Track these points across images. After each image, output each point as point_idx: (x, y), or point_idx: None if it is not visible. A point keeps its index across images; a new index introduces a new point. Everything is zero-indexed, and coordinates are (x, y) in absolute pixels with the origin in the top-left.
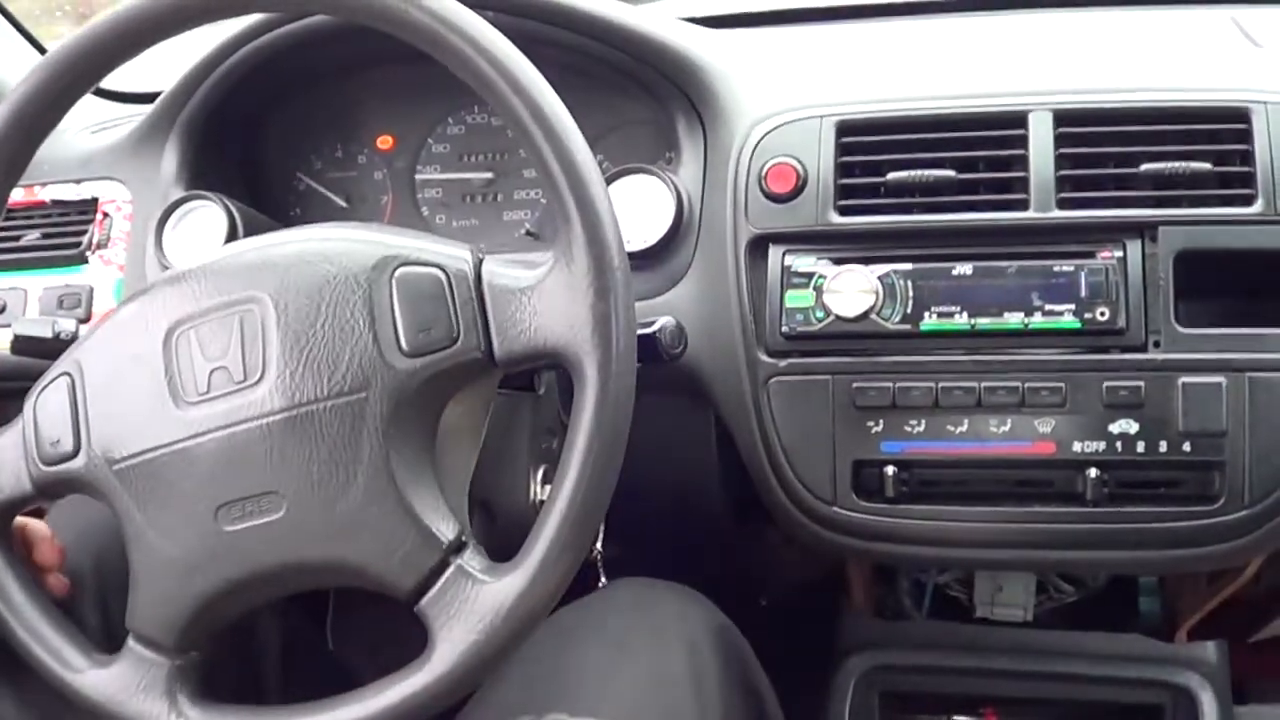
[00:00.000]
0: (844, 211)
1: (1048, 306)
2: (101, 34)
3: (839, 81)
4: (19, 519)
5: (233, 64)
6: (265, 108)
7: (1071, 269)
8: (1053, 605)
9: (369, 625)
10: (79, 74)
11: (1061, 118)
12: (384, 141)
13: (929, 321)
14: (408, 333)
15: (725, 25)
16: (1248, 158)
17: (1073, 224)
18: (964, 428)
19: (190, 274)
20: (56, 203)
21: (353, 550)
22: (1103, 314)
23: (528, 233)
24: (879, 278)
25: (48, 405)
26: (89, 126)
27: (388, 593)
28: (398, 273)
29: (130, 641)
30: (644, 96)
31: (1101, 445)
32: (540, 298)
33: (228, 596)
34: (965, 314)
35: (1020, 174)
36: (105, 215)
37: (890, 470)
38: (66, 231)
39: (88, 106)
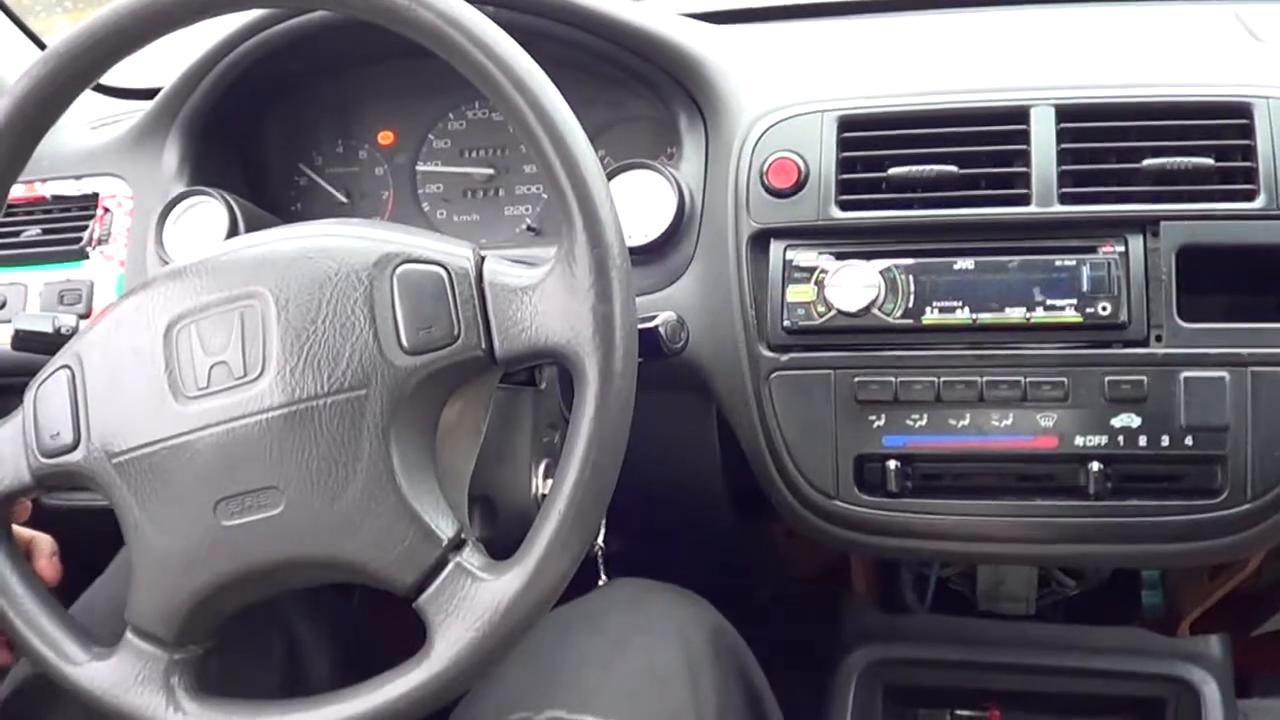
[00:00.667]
0: (845, 206)
1: (1049, 301)
2: (102, 29)
3: (840, 77)
4: (25, 531)
5: (234, 59)
6: (266, 103)
7: (1073, 264)
8: (1055, 599)
9: (397, 619)
10: (79, 69)
11: (1063, 113)
12: (385, 137)
13: (930, 316)
14: (408, 330)
15: (726, 20)
16: (1249, 153)
17: (1074, 219)
18: (966, 422)
19: (191, 268)
20: (57, 198)
21: (351, 547)
22: (1104, 309)
23: (529, 228)
24: (880, 272)
25: (48, 397)
26: (89, 122)
27: (387, 589)
28: (399, 270)
29: (128, 634)
30: (645, 92)
31: (1103, 439)
32: (542, 297)
33: (226, 591)
34: (967, 308)
35: (1022, 169)
36: (106, 211)
37: (892, 464)
38: (67, 227)
39: (88, 102)
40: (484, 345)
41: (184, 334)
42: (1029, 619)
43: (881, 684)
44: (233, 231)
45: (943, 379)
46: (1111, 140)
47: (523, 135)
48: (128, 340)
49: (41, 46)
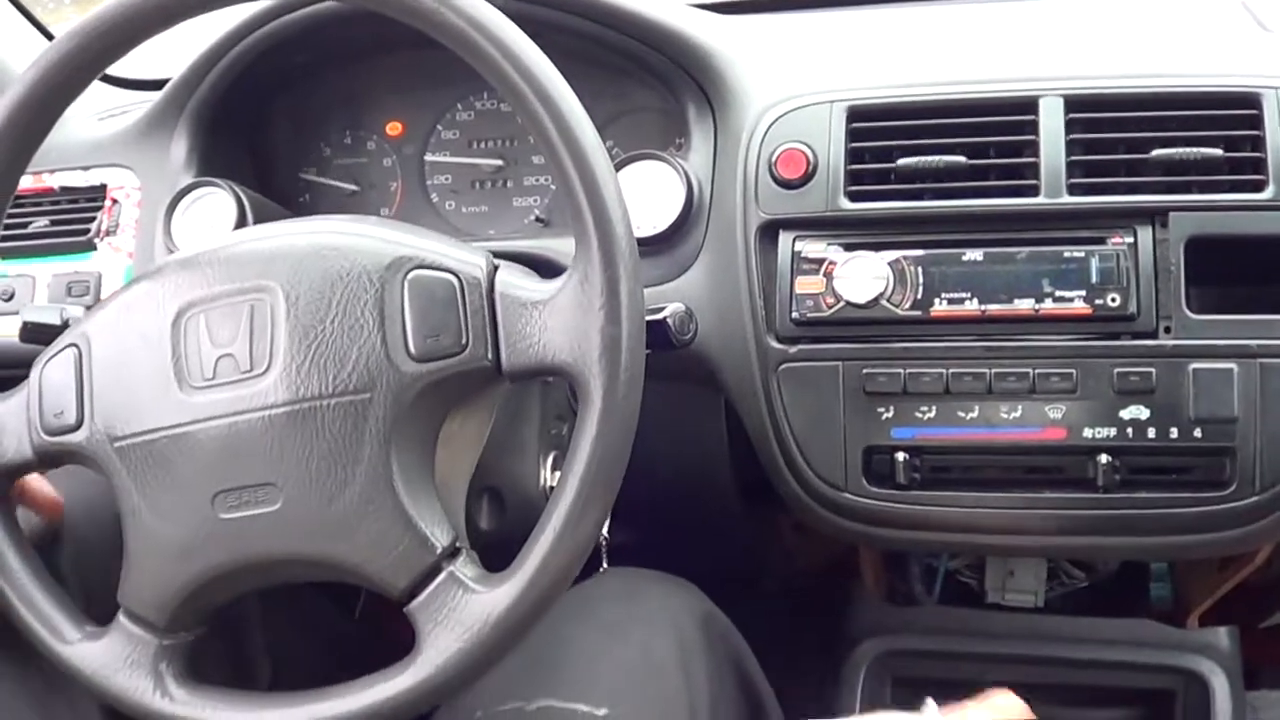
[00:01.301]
0: (854, 197)
1: (1058, 292)
2: (110, 19)
3: (849, 67)
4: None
5: (242, 50)
6: (274, 94)
7: (1082, 255)
8: (1064, 591)
9: (392, 622)
10: (87, 60)
11: (1072, 103)
12: (393, 128)
13: (939, 307)
14: (416, 337)
15: (735, 11)
16: (1258, 143)
17: (1083, 210)
18: (975, 414)
19: (204, 257)
20: (65, 189)
21: (346, 548)
22: (1113, 300)
23: (537, 219)
24: (889, 264)
25: (53, 376)
26: (97, 113)
27: (379, 592)
28: (411, 275)
29: (120, 616)
30: (654, 83)
31: (1112, 431)
32: (552, 314)
33: (219, 582)
34: (976, 300)
35: (1031, 160)
36: (114, 202)
37: (901, 456)
38: (75, 218)
39: (96, 93)
40: (490, 357)
41: (193, 323)
42: (1037, 611)
43: (890, 675)
44: (241, 222)
45: (951, 370)
46: (1120, 131)
47: (532, 128)
48: (137, 325)
49: (49, 37)
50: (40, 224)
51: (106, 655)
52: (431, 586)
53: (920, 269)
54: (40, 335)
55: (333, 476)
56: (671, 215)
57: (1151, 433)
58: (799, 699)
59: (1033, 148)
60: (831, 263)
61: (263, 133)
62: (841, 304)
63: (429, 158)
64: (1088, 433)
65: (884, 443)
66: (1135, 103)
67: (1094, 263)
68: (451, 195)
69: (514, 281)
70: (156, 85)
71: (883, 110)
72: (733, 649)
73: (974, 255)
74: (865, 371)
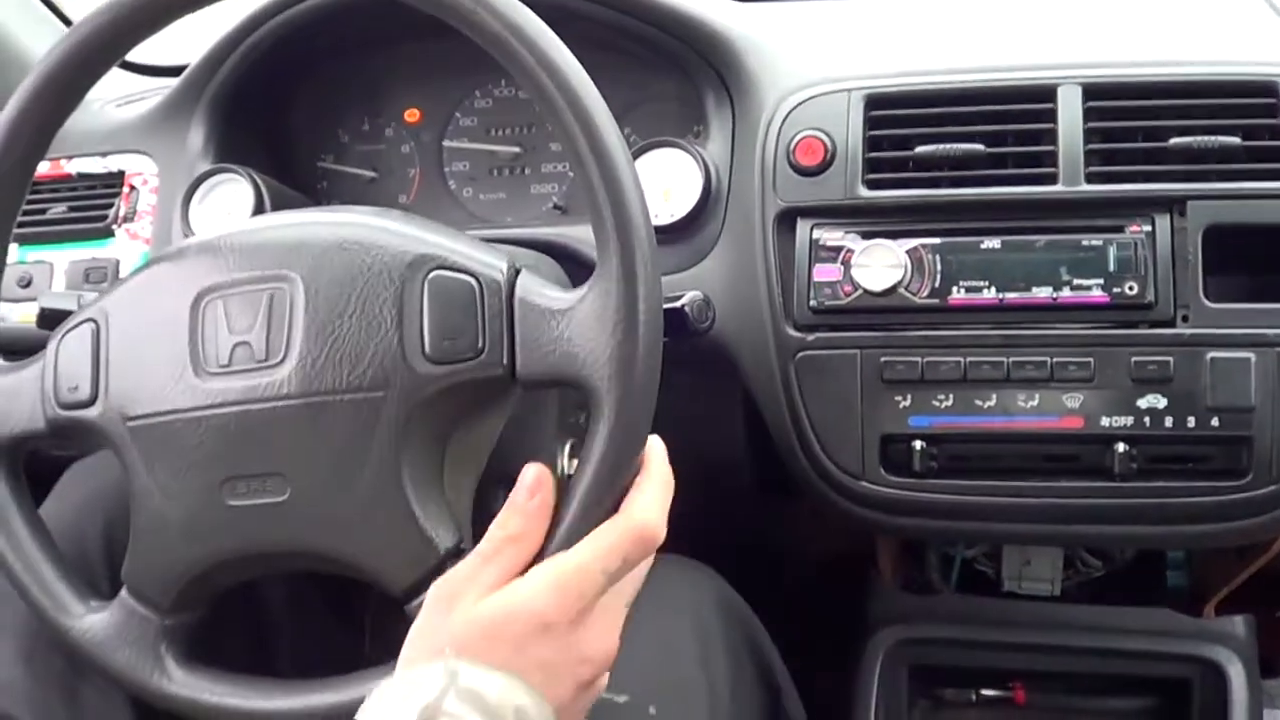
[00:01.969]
0: (872, 185)
1: (1076, 281)
2: (128, 5)
3: (867, 54)
4: None
5: (260, 37)
6: (293, 81)
7: (1100, 243)
8: (1080, 580)
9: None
10: (105, 46)
11: (1090, 91)
12: (411, 115)
13: (957, 296)
14: (433, 338)
15: None
16: (1277, 132)
17: (1101, 198)
18: (992, 402)
19: (225, 242)
20: (83, 176)
21: (350, 544)
22: (1131, 288)
23: (555, 206)
24: (907, 252)
25: (70, 349)
26: (115, 99)
27: (380, 589)
28: (432, 275)
29: (124, 594)
30: (672, 70)
31: (1129, 420)
32: (570, 324)
33: (223, 567)
34: (993, 288)
35: (1049, 148)
36: (132, 188)
37: (918, 445)
38: (93, 205)
39: (114, 79)
40: (506, 363)
41: (211, 308)
42: (1054, 600)
43: (907, 664)
44: (259, 209)
45: (969, 359)
46: (1138, 119)
47: (550, 117)
48: (155, 305)
49: (67, 23)
50: (58, 210)
51: (109, 631)
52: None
53: (938, 257)
54: (58, 322)
55: (341, 472)
56: (689, 203)
57: (1168, 422)
58: (816, 687)
59: (1051, 136)
60: (849, 251)
61: (281, 119)
62: (859, 292)
63: (447, 145)
64: (1105, 421)
65: (901, 431)
66: (1153, 91)
67: (1112, 251)
68: (469, 182)
69: (534, 288)
70: (175, 71)
71: (901, 98)
72: (751, 634)
73: (992, 243)
74: (883, 360)
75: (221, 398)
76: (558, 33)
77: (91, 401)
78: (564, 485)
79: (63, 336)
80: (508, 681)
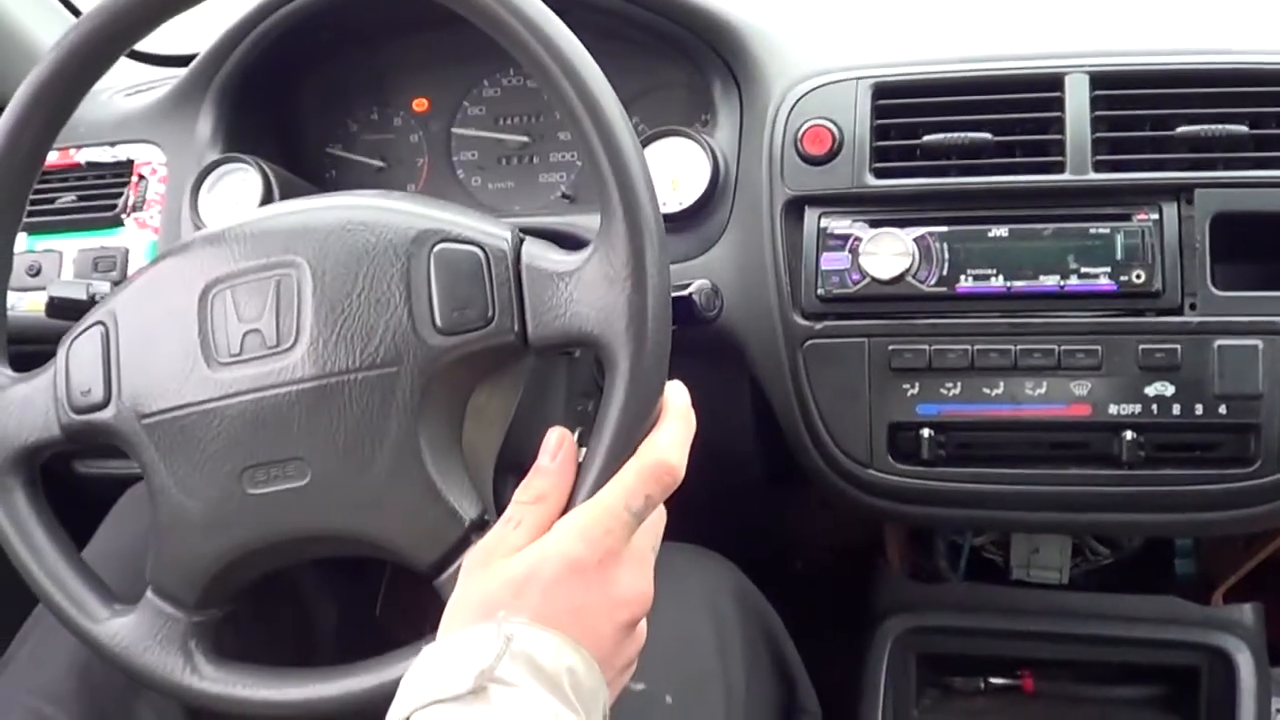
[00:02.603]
0: (880, 174)
1: (1084, 269)
2: None
3: (875, 43)
4: None
5: (268, 26)
6: (301, 70)
7: (1107, 231)
8: (1088, 567)
9: (420, 600)
10: (114, 35)
11: (1098, 80)
12: (419, 104)
13: (965, 284)
14: (443, 310)
15: None
16: None
17: (1109, 186)
18: (1000, 390)
19: (230, 233)
20: (92, 165)
21: (374, 522)
22: (1139, 276)
23: (564, 195)
24: (915, 240)
25: (80, 353)
26: (124, 89)
27: (407, 566)
28: (437, 248)
29: (149, 594)
30: (680, 59)
31: (1137, 408)
32: (578, 285)
33: (248, 557)
34: (1001, 276)
35: (1056, 136)
36: (140, 178)
37: (926, 433)
38: (102, 194)
39: (123, 69)
40: (517, 329)
41: (219, 299)
42: (1062, 588)
43: (915, 652)
44: (267, 198)
45: (977, 347)
46: (1146, 108)
47: (558, 104)
48: (163, 302)
49: (76, 13)
50: (67, 199)
51: (136, 633)
52: (460, 560)
53: (946, 245)
54: (66, 310)
55: (360, 451)
56: (697, 191)
57: (1176, 409)
58: (825, 676)
59: (1058, 124)
60: (857, 239)
61: (289, 109)
62: (867, 280)
63: (456, 133)
64: (1112, 409)
65: (909, 419)
66: (1160, 79)
67: (1119, 239)
68: (478, 171)
69: (539, 253)
70: (183, 61)
71: (909, 87)
72: (766, 624)
73: (999, 232)
74: (891, 348)
75: (235, 387)
76: (566, 21)
77: (105, 403)
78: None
79: (72, 341)
80: (559, 642)
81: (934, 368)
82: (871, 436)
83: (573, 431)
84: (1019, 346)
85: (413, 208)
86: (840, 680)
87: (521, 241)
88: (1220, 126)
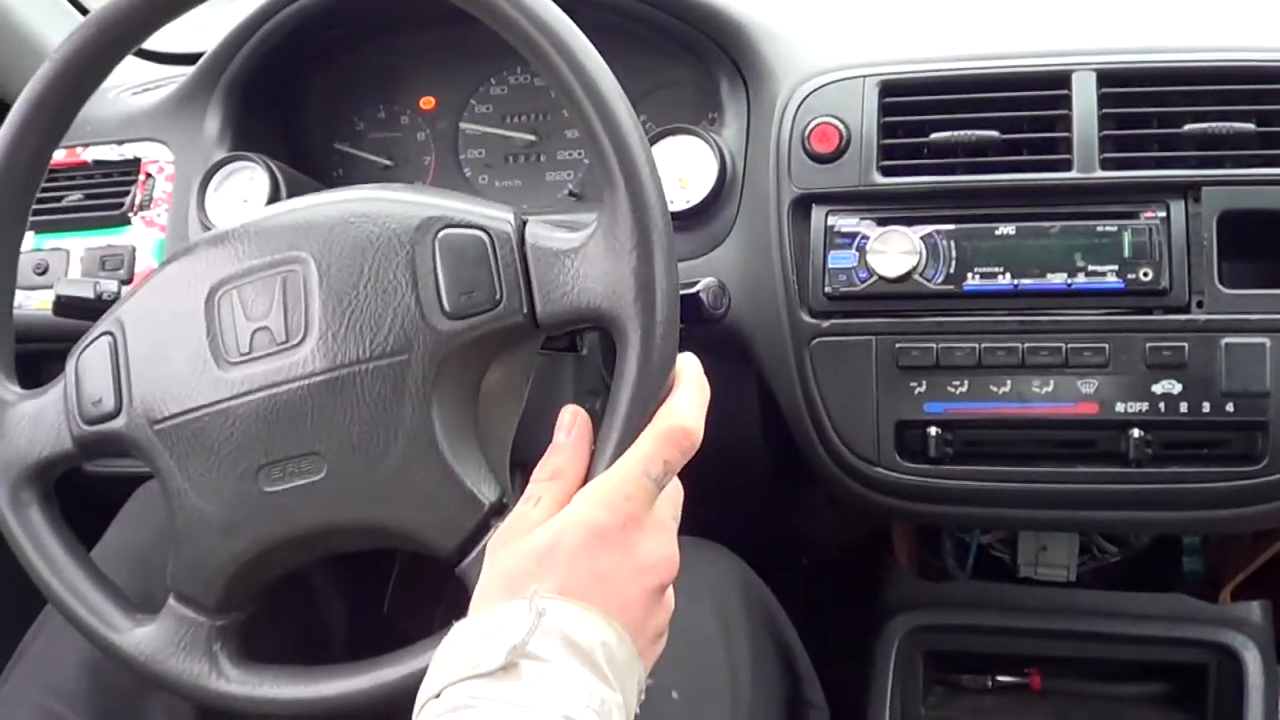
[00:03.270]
0: (887, 172)
1: (1091, 267)
2: None
3: (882, 41)
4: None
5: (275, 24)
6: (308, 68)
7: (1115, 229)
8: (1096, 565)
9: (428, 596)
10: (122, 33)
11: (1105, 77)
12: (426, 102)
13: (972, 282)
14: (450, 295)
15: None
16: None
17: (1116, 184)
18: (1007, 388)
19: (233, 234)
20: (99, 163)
21: (393, 512)
22: (1146, 274)
23: (571, 193)
24: (922, 238)
25: (89, 364)
26: (131, 87)
27: (429, 554)
28: (440, 234)
29: (171, 600)
30: (687, 57)
31: (1144, 406)
32: (583, 260)
33: (268, 556)
34: (1008, 274)
35: (1064, 134)
36: (148, 176)
37: (933, 431)
38: (109, 192)
39: (130, 67)
40: (525, 309)
41: (226, 299)
42: (1070, 585)
43: (922, 650)
44: (274, 197)
45: (984, 345)
46: (1153, 105)
47: (565, 100)
48: (169, 306)
49: (84, 11)
50: (74, 198)
51: (159, 640)
52: (481, 544)
53: (953, 243)
54: (74, 309)
55: (375, 441)
56: (705, 189)
57: (1183, 407)
58: (832, 673)
59: (1065, 122)
60: (864, 237)
61: (296, 107)
62: (874, 278)
63: (463, 131)
64: (1120, 407)
65: (916, 417)
66: (1168, 77)
67: (1126, 237)
68: (485, 169)
69: (543, 233)
70: (190, 59)
71: (915, 85)
72: (771, 618)
73: (1006, 229)
74: (898, 346)
75: (247, 385)
76: (573, 19)
77: (116, 413)
78: None
79: (80, 353)
80: (591, 617)
81: (941, 366)
82: (879, 434)
83: None
84: (1026, 344)
85: (414, 197)
86: (847, 677)
87: (525, 223)
88: (1227, 124)
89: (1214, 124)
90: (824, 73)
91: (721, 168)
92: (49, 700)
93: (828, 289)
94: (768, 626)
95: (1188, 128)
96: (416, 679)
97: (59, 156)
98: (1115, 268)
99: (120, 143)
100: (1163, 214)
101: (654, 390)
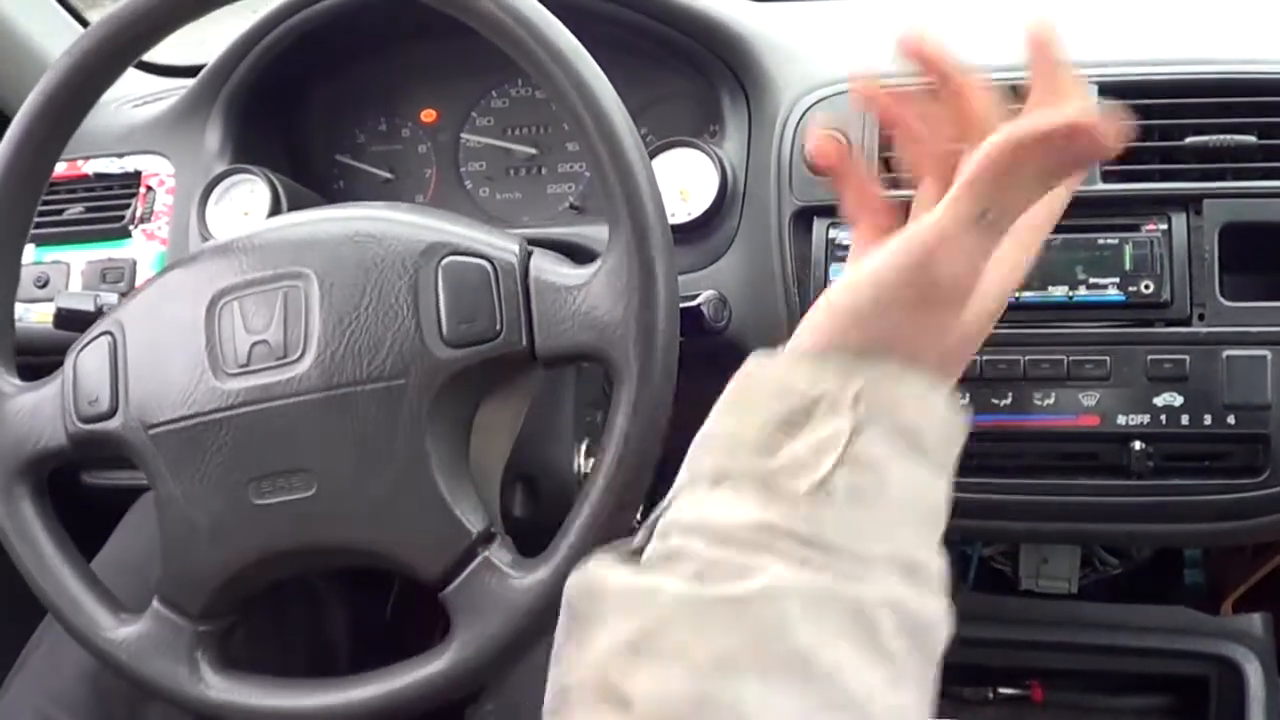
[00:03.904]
0: (888, 184)
1: (1092, 279)
2: (145, 5)
3: (883, 53)
4: None
5: (276, 37)
6: (309, 81)
7: (1116, 242)
8: (1097, 577)
9: (431, 607)
10: (122, 46)
11: (1106, 90)
12: (427, 115)
13: None
14: (450, 322)
15: None
16: None
17: (1117, 197)
18: (1008, 400)
19: (238, 244)
20: (99, 176)
21: (380, 535)
22: (1147, 287)
23: (572, 206)
24: None
25: (88, 363)
26: (132, 100)
27: (414, 578)
28: (445, 261)
29: (155, 603)
30: (688, 69)
31: (1146, 418)
32: (586, 298)
33: (254, 568)
34: None
35: None
36: (148, 189)
37: None
38: (109, 205)
39: (131, 80)
40: (524, 342)
41: (227, 310)
42: (1071, 598)
43: None
44: (275, 210)
45: (985, 357)
46: (1154, 118)
47: (566, 115)
48: (171, 312)
49: (84, 24)
50: (75, 211)
51: (142, 641)
52: (466, 572)
53: None
54: (74, 321)
55: (367, 463)
56: (705, 202)
57: (1185, 420)
58: None
59: None
60: None
61: (297, 120)
62: None
63: (464, 144)
64: (1121, 419)
65: None
66: (1169, 89)
67: (1128, 250)
68: (486, 182)
69: (547, 267)
70: (191, 72)
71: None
72: None
73: None
74: None
75: (243, 397)
76: (574, 32)
77: (112, 413)
78: (580, 483)
79: (80, 351)
80: (923, 384)
81: None
82: None
83: (581, 442)
84: (1027, 357)
85: (421, 220)
86: None
87: (530, 254)
88: (1229, 137)
89: (1215, 137)
90: (825, 85)
91: (722, 180)
92: (49, 707)
93: None
94: None
95: (1189, 140)
96: (394, 700)
97: (59, 169)
98: (1116, 280)
99: (121, 155)
100: (1164, 227)
101: (647, 436)
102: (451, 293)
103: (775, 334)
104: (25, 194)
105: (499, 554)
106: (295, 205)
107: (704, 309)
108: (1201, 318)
